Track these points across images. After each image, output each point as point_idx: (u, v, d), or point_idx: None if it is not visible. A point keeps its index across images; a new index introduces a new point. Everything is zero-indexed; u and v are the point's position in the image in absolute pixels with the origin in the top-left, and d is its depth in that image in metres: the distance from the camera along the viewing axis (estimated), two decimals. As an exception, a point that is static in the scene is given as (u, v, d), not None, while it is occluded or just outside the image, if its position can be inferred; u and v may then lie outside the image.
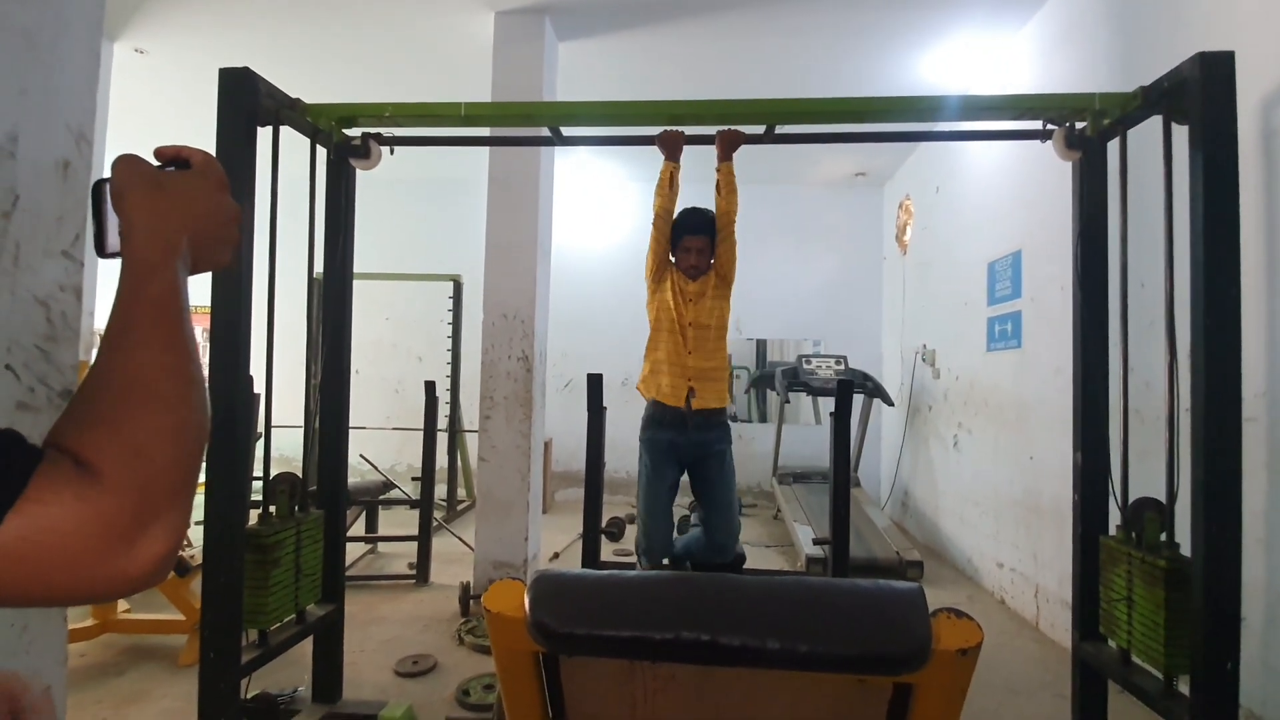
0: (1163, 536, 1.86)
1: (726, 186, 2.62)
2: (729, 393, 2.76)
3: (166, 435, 0.50)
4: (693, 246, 2.70)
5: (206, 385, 0.56)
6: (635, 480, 2.88)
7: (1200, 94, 1.76)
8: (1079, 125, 2.21)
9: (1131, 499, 1.96)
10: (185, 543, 0.52)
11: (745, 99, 2.41)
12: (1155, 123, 1.97)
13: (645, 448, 2.74)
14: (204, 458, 0.54)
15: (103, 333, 0.54)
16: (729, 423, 2.77)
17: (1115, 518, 2.04)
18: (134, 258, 0.56)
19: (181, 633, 2.79)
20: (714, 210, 2.68)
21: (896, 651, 0.89)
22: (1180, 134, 1.86)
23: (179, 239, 0.58)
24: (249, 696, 2.23)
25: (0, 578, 0.44)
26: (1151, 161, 1.97)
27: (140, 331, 0.53)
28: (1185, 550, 1.78)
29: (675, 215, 2.67)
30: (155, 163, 0.63)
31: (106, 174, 0.60)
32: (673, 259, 2.76)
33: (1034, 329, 3.64)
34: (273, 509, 2.15)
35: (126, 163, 0.59)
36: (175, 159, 0.64)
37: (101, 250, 0.60)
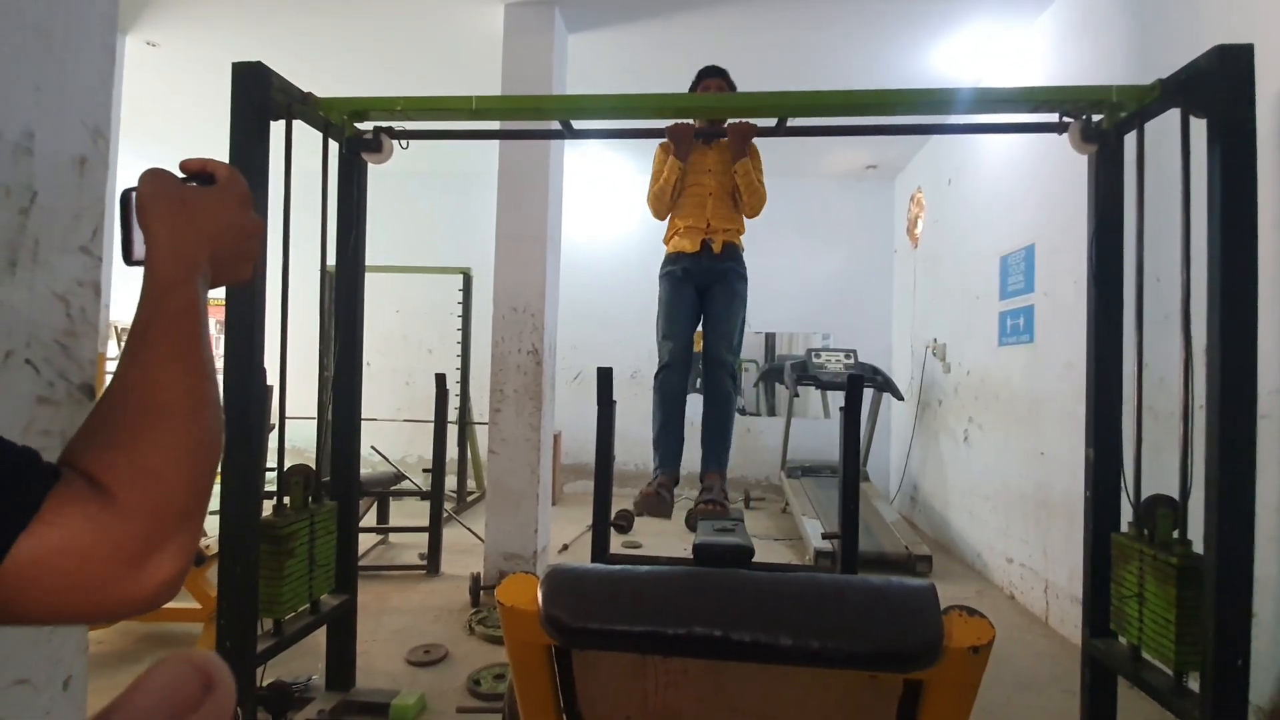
0: (1175, 533, 1.85)
1: (747, 189, 2.52)
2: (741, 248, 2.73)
3: (180, 457, 0.50)
4: (711, 85, 2.65)
5: (222, 404, 0.56)
6: (642, 475, 2.85)
7: (1219, 87, 1.74)
8: (1095, 118, 2.18)
9: (1144, 495, 1.95)
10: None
11: (757, 92, 2.39)
12: (1173, 116, 1.95)
13: (663, 279, 2.71)
14: (215, 478, 0.54)
15: (123, 347, 0.55)
16: (744, 261, 2.71)
17: (1127, 514, 2.03)
18: (155, 274, 0.56)
19: (198, 621, 2.82)
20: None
21: (908, 649, 0.89)
22: (1198, 127, 1.83)
23: (201, 256, 0.59)
24: (264, 684, 2.26)
25: (13, 599, 0.44)
26: (1168, 155, 1.95)
27: (158, 349, 0.53)
28: (1197, 547, 1.77)
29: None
30: (180, 175, 0.63)
31: (131, 183, 0.60)
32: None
33: (1046, 323, 3.62)
34: (287, 500, 2.17)
35: (152, 178, 0.59)
36: (200, 173, 0.64)
37: (128, 258, 0.60)
